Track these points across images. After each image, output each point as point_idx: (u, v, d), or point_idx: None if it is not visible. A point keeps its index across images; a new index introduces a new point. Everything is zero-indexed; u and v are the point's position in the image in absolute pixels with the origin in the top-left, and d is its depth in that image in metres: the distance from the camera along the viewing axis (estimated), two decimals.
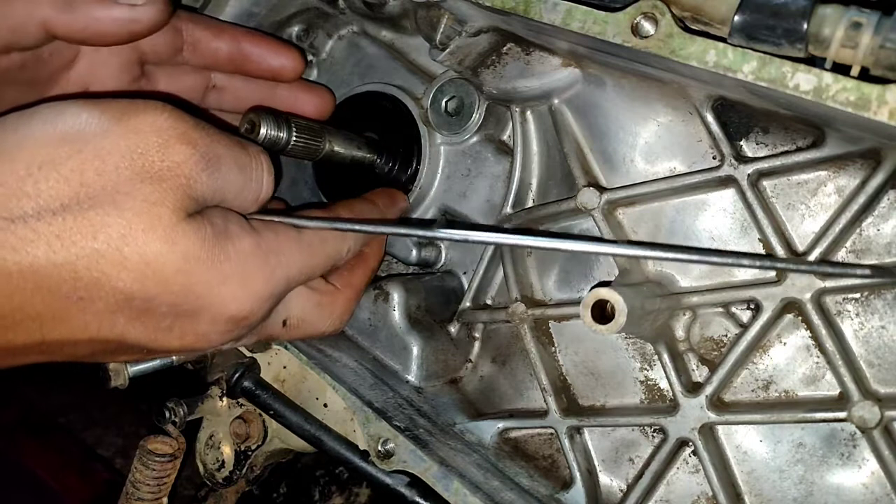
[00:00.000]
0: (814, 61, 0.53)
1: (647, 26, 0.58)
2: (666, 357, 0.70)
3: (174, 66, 0.80)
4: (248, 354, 0.86)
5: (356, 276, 0.78)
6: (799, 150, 0.64)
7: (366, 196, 0.80)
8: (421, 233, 0.66)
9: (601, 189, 0.71)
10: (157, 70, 0.80)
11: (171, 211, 0.55)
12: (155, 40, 0.75)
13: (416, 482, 0.74)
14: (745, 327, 0.68)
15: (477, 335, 0.84)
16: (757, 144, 0.67)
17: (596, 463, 0.75)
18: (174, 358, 0.82)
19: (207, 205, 0.60)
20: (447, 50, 0.73)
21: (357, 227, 0.67)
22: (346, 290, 0.76)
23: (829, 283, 0.63)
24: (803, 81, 0.52)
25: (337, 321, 0.76)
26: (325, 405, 0.83)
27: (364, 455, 0.77)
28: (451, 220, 0.87)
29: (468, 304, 0.82)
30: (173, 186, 0.55)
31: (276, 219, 0.65)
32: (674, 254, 0.61)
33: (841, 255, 0.65)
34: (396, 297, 0.82)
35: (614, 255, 0.72)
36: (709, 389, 0.68)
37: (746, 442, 0.69)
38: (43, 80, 0.73)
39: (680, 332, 0.72)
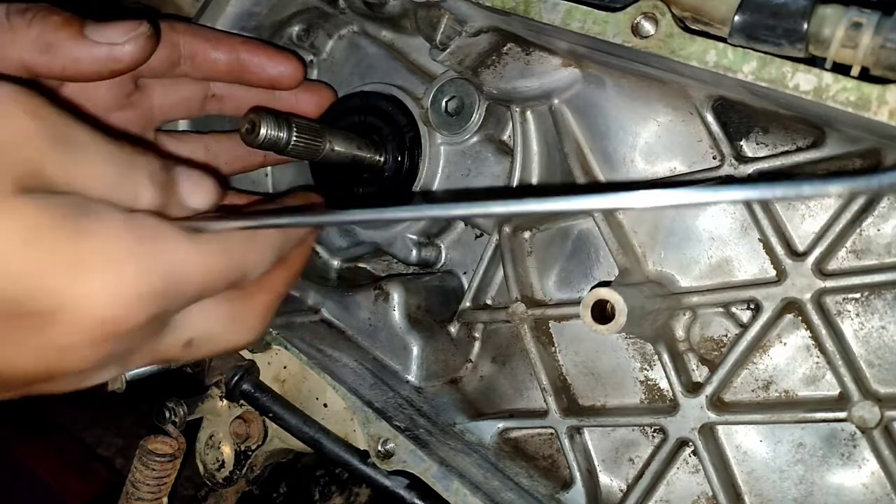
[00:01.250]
0: (814, 61, 0.53)
1: (647, 26, 0.58)
2: (666, 357, 0.70)
3: (172, 78, 0.80)
4: (248, 356, 0.86)
5: (274, 278, 0.63)
6: (799, 150, 0.64)
7: (280, 201, 0.70)
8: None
9: None
10: (152, 83, 0.79)
11: (5, 183, 0.44)
12: None
13: (415, 484, 0.74)
14: (745, 327, 0.68)
15: (477, 335, 0.84)
16: (757, 144, 0.67)
17: (596, 463, 0.75)
18: None
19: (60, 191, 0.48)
20: (447, 50, 0.73)
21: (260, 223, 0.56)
22: (262, 295, 0.62)
23: (830, 283, 0.63)
24: (803, 81, 0.52)
25: (251, 332, 0.63)
26: (325, 405, 0.83)
27: (364, 457, 0.77)
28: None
29: (468, 304, 0.82)
30: (12, 159, 0.45)
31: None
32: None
33: (841, 255, 0.65)
34: (396, 297, 0.82)
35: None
36: (709, 389, 0.68)
37: (746, 442, 0.69)
38: None
39: (680, 332, 0.72)
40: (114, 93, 0.76)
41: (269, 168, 0.98)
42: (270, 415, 0.83)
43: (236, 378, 0.83)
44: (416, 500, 0.74)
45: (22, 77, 0.67)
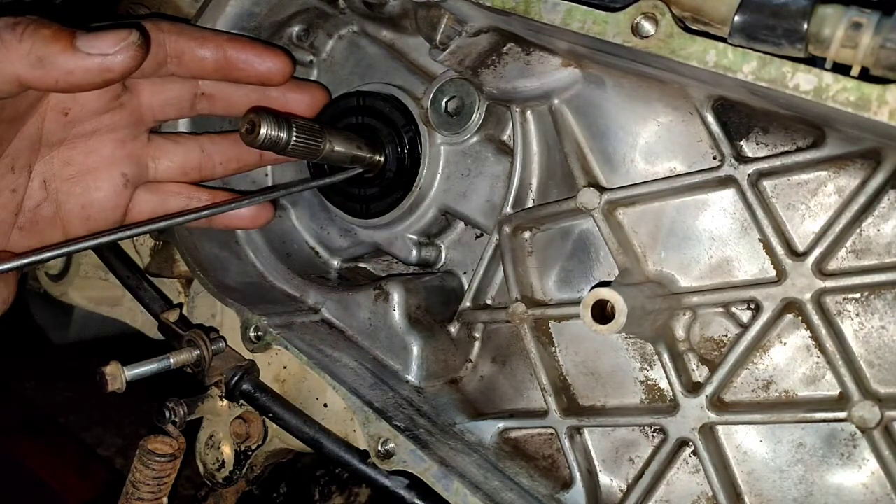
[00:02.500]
0: (814, 61, 0.53)
1: (648, 26, 0.58)
2: (666, 357, 0.70)
3: (160, 78, 0.80)
4: (248, 357, 0.86)
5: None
6: (799, 150, 0.64)
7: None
8: None
9: (601, 189, 0.71)
10: (141, 83, 0.79)
11: None
12: None
13: (415, 484, 0.74)
14: (745, 327, 0.68)
15: (477, 335, 0.84)
16: (757, 144, 0.67)
17: (596, 463, 0.75)
18: (172, 361, 0.82)
19: None
20: (447, 50, 0.73)
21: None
22: None
23: (830, 284, 0.63)
24: (803, 81, 0.52)
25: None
26: (325, 405, 0.83)
27: (364, 457, 0.77)
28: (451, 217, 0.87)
29: (468, 304, 0.82)
30: None
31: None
32: None
33: (841, 255, 0.65)
34: (397, 297, 0.82)
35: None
36: (709, 389, 0.68)
37: (746, 442, 0.69)
38: (23, 111, 0.73)
39: (680, 332, 0.72)
40: (102, 95, 0.76)
41: (269, 168, 0.98)
42: (270, 415, 0.83)
43: (236, 378, 0.84)
44: (416, 500, 0.74)
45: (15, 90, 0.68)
